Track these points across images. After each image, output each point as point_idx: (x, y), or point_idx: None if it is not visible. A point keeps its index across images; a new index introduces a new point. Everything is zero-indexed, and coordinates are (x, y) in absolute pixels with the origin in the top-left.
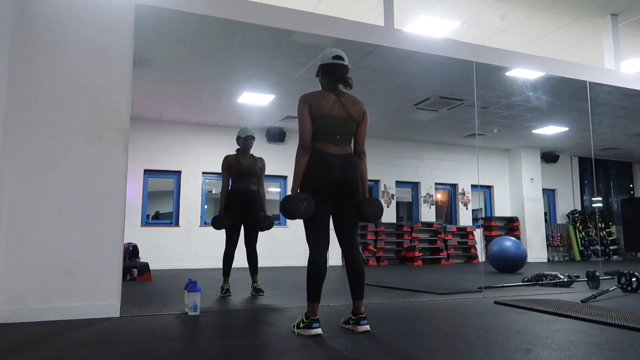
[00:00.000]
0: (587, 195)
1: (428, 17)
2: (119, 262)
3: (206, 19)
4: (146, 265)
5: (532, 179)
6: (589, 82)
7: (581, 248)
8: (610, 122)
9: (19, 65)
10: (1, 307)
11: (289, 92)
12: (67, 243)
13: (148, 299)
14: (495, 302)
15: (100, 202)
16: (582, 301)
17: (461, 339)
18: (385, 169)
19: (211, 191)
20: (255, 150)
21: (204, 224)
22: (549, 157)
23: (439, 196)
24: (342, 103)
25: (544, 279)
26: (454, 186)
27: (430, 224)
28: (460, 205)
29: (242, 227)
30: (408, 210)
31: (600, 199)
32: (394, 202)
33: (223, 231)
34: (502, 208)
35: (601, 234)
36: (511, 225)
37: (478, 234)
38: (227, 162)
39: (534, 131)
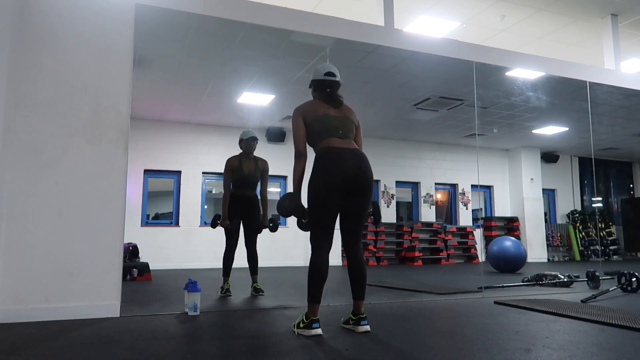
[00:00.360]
0: (587, 195)
1: (428, 17)
2: (119, 262)
3: (206, 19)
4: (146, 265)
5: (532, 179)
6: (589, 82)
7: (581, 248)
8: (610, 122)
9: (19, 65)
10: (1, 307)
11: (289, 92)
12: (67, 243)
13: (148, 299)
14: (495, 302)
15: (100, 202)
16: (582, 301)
17: (461, 339)
18: (385, 169)
19: (211, 191)
20: (256, 151)
21: (204, 224)
22: (549, 157)
23: (439, 196)
24: (336, 108)
25: (544, 279)
26: (454, 186)
27: (430, 224)
28: (460, 205)
29: (242, 228)
30: (408, 210)
31: (600, 199)
32: (394, 202)
33: (223, 231)
34: (502, 208)
35: (601, 234)
36: (511, 225)
37: (478, 234)
38: (230, 165)
39: (534, 131)
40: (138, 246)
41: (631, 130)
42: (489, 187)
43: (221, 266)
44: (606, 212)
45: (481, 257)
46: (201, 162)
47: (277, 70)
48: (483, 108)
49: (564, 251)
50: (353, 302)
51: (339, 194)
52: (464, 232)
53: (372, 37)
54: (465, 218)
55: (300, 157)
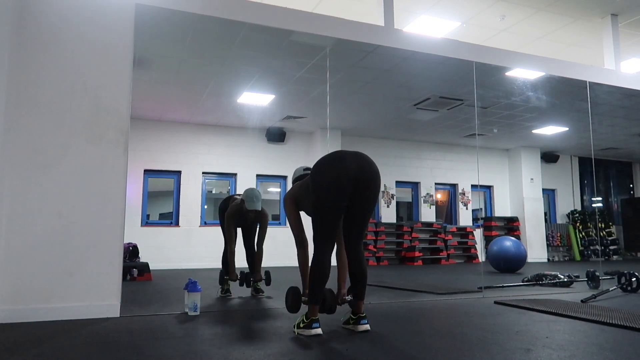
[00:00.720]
0: (587, 195)
1: (428, 17)
2: (119, 262)
3: (206, 19)
4: (146, 265)
5: (532, 179)
6: (589, 82)
7: (581, 248)
8: (610, 122)
9: (19, 65)
10: (1, 307)
11: (289, 92)
12: (67, 243)
13: (148, 299)
14: (495, 302)
15: (100, 202)
16: (582, 301)
17: (461, 339)
18: (385, 169)
19: (211, 191)
20: (256, 150)
21: (204, 224)
22: (549, 157)
23: (439, 196)
24: None
25: (544, 279)
26: (454, 186)
27: (430, 224)
28: (460, 205)
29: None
30: (408, 210)
31: (600, 199)
32: (394, 202)
33: (222, 232)
34: (502, 208)
35: (601, 234)
36: (511, 225)
37: (478, 234)
38: (232, 216)
39: (534, 131)
40: (138, 246)
41: (631, 130)
42: (489, 187)
43: (221, 266)
44: (606, 212)
45: (481, 257)
46: (201, 162)
47: (277, 70)
48: (483, 108)
49: (564, 251)
50: (353, 301)
51: (345, 194)
52: (464, 232)
53: (372, 37)
54: (465, 218)
55: (301, 246)
